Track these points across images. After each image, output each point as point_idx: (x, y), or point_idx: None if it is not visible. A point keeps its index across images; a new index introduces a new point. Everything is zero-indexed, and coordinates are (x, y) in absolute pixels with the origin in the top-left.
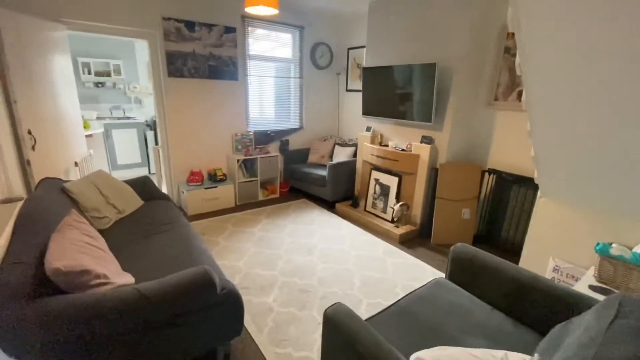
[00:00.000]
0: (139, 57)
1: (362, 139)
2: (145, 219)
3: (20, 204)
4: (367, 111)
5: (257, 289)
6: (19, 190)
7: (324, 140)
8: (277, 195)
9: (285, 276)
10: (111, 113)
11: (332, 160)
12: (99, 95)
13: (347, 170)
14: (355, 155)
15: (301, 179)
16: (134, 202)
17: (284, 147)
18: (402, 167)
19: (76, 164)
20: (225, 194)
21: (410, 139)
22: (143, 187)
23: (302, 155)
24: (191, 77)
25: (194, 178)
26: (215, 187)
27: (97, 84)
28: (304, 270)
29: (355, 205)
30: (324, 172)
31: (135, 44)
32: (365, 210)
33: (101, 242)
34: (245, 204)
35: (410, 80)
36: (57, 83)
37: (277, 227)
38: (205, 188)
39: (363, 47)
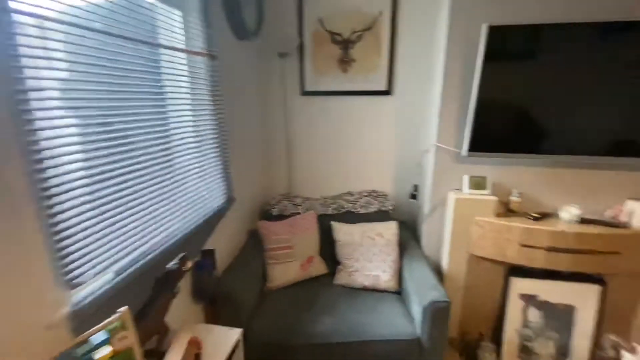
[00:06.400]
0: None
1: (466, 208)
2: None
3: None
4: (488, 143)
5: None
6: None
7: (282, 217)
8: None
9: None
10: None
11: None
12: None
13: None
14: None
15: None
16: None
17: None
18: (619, 264)
19: None
20: None
21: (602, 198)
22: None
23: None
24: None
25: None
26: None
27: None
28: None
29: None
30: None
31: None
32: None
33: None
34: None
35: None
36: None
37: None
38: None
39: None
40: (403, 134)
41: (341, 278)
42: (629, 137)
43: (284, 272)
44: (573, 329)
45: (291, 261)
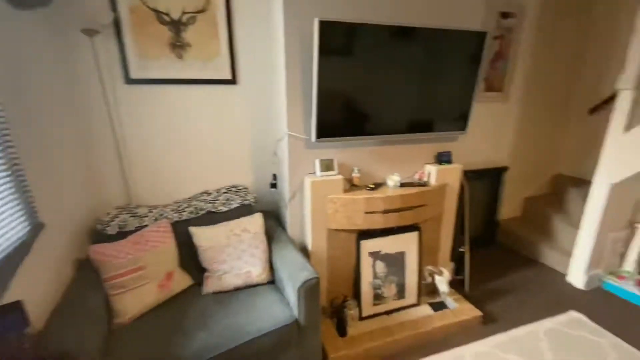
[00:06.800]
0: None
1: (320, 189)
2: None
3: None
4: (331, 129)
5: None
6: None
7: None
8: None
9: None
10: None
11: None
12: None
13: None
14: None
15: None
16: None
17: None
18: (426, 213)
19: None
20: None
21: (411, 165)
22: None
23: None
24: None
25: None
26: None
27: None
28: None
29: (342, 329)
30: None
31: None
32: (362, 318)
33: None
34: None
35: (438, 60)
36: None
37: None
38: None
39: None
40: (255, 124)
41: (210, 285)
42: (419, 118)
43: (137, 298)
44: (405, 269)
45: (145, 284)
